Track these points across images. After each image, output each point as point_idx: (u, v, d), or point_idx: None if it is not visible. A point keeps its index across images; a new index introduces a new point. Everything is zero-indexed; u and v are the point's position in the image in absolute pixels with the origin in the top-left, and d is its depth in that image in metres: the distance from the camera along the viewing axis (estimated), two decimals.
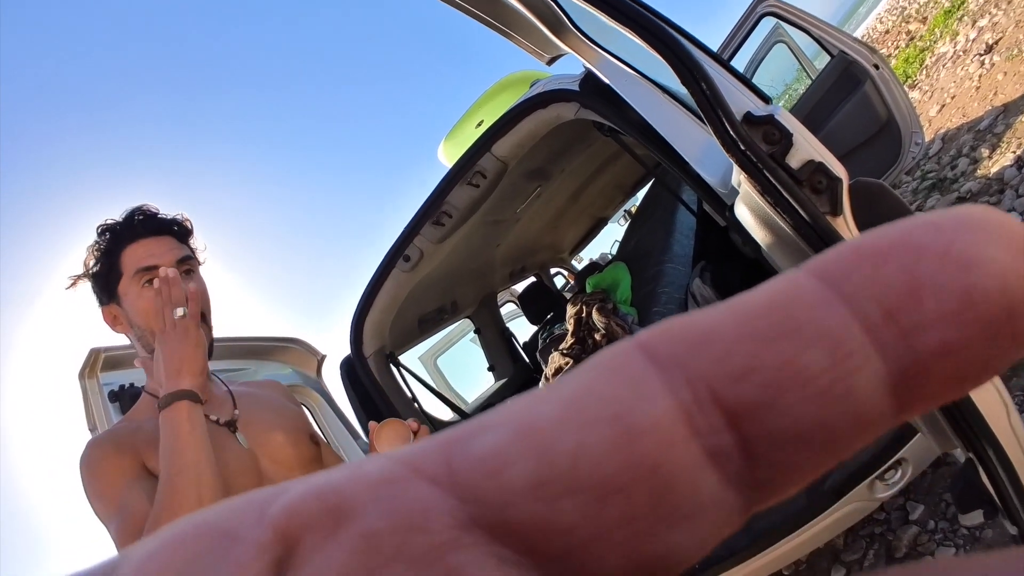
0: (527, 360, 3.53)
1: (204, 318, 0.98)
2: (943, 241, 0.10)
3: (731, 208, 1.22)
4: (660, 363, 0.10)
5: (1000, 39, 4.78)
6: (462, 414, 2.84)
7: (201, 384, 0.90)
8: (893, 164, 2.75)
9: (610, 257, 4.47)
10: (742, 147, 0.96)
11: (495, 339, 3.55)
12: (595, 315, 2.32)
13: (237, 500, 0.10)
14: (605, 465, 0.09)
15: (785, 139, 0.99)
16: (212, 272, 1.06)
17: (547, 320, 3.65)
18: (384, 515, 0.09)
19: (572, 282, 4.69)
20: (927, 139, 3.68)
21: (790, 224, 0.98)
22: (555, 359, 2.39)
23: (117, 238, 0.99)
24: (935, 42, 6.56)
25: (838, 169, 1.00)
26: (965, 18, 6.05)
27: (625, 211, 5.02)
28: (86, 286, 1.01)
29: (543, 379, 2.49)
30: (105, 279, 0.99)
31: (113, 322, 1.01)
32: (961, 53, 5.44)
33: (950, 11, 6.72)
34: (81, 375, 1.61)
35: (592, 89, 1.66)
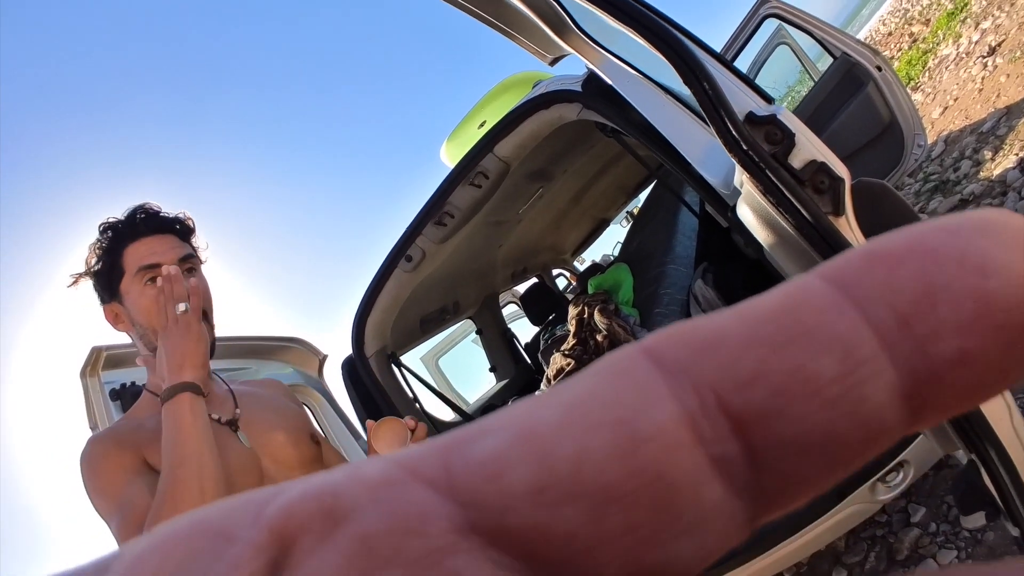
0: (529, 361, 3.53)
1: (206, 316, 0.98)
2: (959, 246, 0.09)
3: (733, 209, 1.22)
4: (666, 368, 0.10)
5: (1003, 41, 4.77)
6: (463, 415, 2.84)
7: (203, 378, 0.91)
8: (895, 166, 2.75)
9: (612, 258, 4.47)
10: (744, 147, 0.96)
11: (497, 340, 3.55)
12: (597, 316, 2.32)
13: (233, 500, 0.10)
14: (607, 472, 0.09)
15: (787, 139, 0.99)
16: (214, 271, 1.06)
17: (549, 321, 3.65)
18: (381, 518, 0.09)
19: (574, 283, 4.69)
20: (929, 141, 3.67)
21: (792, 224, 0.98)
22: (557, 360, 2.39)
23: (119, 236, 0.99)
24: (938, 44, 6.55)
25: (840, 169, 1.00)
26: (968, 20, 6.04)
27: (627, 213, 5.02)
28: (88, 284, 1.01)
29: (545, 380, 2.49)
30: (107, 277, 0.99)
31: (114, 320, 1.01)
32: (964, 55, 5.44)
33: (953, 13, 6.72)
34: (82, 373, 1.61)
35: (595, 90, 1.66)
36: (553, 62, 1.70)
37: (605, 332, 2.27)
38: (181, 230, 1.04)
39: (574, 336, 2.40)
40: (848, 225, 1.00)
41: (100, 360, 1.62)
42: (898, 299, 0.09)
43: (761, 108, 1.04)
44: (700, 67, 0.95)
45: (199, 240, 1.07)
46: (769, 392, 0.09)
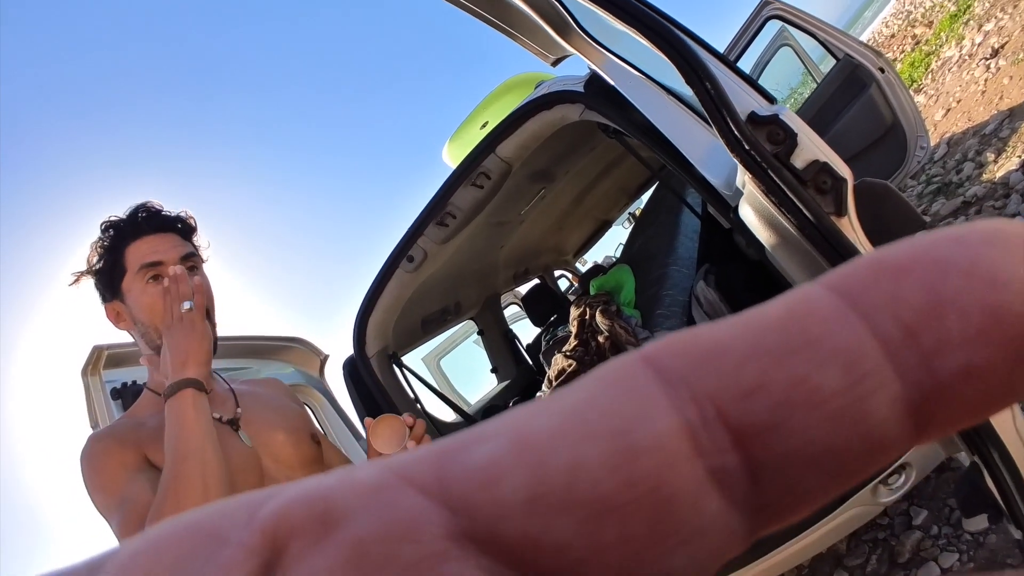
0: (530, 362, 3.53)
1: (208, 314, 0.98)
2: (968, 257, 0.09)
3: (735, 209, 1.21)
4: (665, 378, 0.09)
5: (1006, 43, 4.76)
6: (465, 415, 2.84)
7: (206, 375, 0.91)
8: (898, 168, 2.74)
9: (614, 260, 4.47)
10: (746, 146, 0.96)
11: (498, 341, 3.55)
12: (599, 317, 2.32)
13: (226, 502, 0.10)
14: (603, 482, 0.09)
15: (790, 139, 0.98)
16: (215, 270, 1.06)
17: (550, 322, 3.65)
18: (373, 523, 0.09)
19: (576, 284, 4.69)
20: (932, 143, 3.67)
21: (794, 224, 0.98)
22: (558, 361, 2.39)
23: (121, 235, 0.99)
24: (941, 46, 6.55)
25: (843, 169, 0.99)
26: (971, 22, 6.04)
27: (629, 214, 5.02)
28: (89, 283, 1.01)
29: (546, 381, 2.49)
30: (109, 276, 0.99)
31: (116, 319, 1.01)
32: (967, 57, 5.43)
33: (956, 15, 6.71)
34: (84, 372, 1.61)
35: (597, 90, 1.66)
36: (555, 63, 1.70)
37: (607, 333, 2.27)
38: (183, 229, 1.04)
39: (576, 337, 2.40)
40: (850, 226, 1.00)
41: (101, 359, 1.63)
42: (904, 310, 0.09)
43: (763, 108, 1.04)
44: (702, 67, 0.95)
45: (201, 239, 1.08)
46: (770, 404, 0.09)
